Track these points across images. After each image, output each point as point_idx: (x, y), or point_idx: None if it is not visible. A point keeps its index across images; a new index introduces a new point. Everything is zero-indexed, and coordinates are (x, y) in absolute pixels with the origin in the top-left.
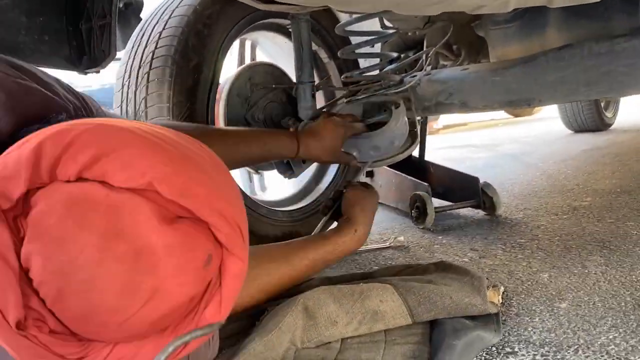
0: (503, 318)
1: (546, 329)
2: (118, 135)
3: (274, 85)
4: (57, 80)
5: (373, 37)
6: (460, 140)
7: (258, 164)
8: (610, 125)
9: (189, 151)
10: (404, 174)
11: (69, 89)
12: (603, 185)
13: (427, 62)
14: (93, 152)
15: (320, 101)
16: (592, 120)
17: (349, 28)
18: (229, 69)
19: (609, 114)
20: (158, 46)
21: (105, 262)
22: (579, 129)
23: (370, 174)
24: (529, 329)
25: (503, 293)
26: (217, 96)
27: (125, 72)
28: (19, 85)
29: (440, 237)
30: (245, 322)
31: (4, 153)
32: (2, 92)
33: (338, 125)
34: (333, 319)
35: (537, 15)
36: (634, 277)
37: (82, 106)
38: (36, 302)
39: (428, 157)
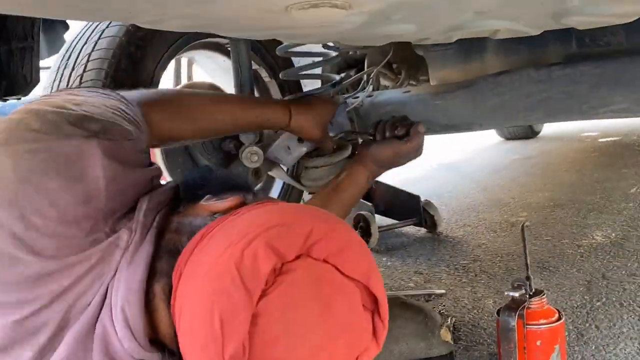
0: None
1: None
2: (351, 236)
3: None
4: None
5: (316, 59)
6: None
7: (250, 131)
8: (538, 132)
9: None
10: None
11: None
12: (537, 199)
13: (369, 83)
14: (337, 245)
15: None
16: (522, 128)
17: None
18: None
19: None
20: (87, 69)
21: (320, 326)
22: (509, 137)
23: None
24: None
25: (452, 324)
26: None
27: None
28: None
29: (384, 259)
30: None
31: (284, 224)
32: None
33: (328, 100)
34: None
35: (476, 39)
36: (573, 301)
37: None
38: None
39: None
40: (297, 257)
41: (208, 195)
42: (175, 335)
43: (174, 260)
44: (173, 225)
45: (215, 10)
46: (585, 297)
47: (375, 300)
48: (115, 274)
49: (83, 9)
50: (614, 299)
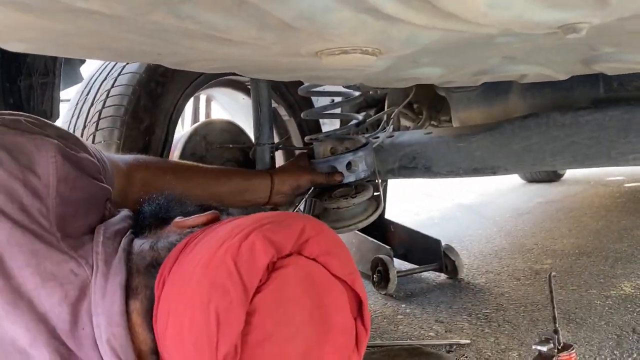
0: None
1: None
2: (336, 236)
3: (231, 145)
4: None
5: (337, 98)
6: (413, 186)
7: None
8: (561, 175)
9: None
10: (364, 234)
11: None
12: (562, 246)
13: (390, 123)
14: (327, 244)
15: (279, 161)
16: (545, 171)
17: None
18: (183, 123)
19: None
20: (106, 105)
21: (311, 326)
22: (532, 179)
23: None
24: None
25: None
26: (170, 155)
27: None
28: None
29: (403, 306)
30: None
31: (277, 221)
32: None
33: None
34: None
35: (501, 81)
36: (602, 357)
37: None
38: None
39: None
40: (289, 254)
41: (180, 216)
42: (155, 353)
43: (155, 272)
44: (145, 244)
45: (244, 54)
46: (615, 352)
47: (358, 303)
48: (84, 306)
49: (114, 51)
50: None
